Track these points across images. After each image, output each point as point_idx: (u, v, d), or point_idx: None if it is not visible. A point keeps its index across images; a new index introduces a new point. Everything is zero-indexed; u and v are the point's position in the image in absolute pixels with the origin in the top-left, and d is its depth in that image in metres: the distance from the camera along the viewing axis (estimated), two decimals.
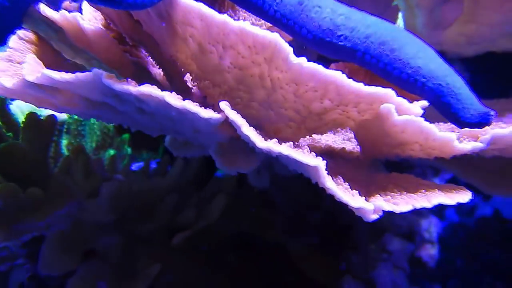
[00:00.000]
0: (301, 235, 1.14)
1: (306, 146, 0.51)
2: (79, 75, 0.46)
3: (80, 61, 0.68)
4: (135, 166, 1.29)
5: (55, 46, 0.64)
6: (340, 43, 0.57)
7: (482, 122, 0.51)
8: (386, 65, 0.55)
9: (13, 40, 0.59)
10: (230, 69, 0.52)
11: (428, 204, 0.45)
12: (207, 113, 0.47)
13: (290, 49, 0.46)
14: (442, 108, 0.54)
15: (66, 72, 0.48)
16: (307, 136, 0.65)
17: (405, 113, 0.49)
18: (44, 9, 0.59)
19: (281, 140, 0.60)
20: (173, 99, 0.45)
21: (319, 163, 0.46)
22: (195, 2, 0.47)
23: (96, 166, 1.00)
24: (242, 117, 0.63)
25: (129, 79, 0.46)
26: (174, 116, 0.51)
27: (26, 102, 0.56)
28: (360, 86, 0.48)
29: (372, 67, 0.58)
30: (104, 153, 1.30)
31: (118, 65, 0.63)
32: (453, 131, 0.56)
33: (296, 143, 0.66)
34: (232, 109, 0.50)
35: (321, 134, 0.63)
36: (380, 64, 0.56)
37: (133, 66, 0.66)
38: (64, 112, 0.62)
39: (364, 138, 0.57)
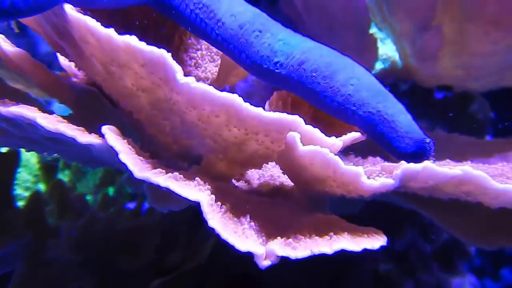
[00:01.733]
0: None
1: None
2: None
3: (21, 88, 0.67)
4: (132, 205, 1.26)
5: None
6: (276, 70, 0.52)
7: (417, 151, 0.43)
8: (317, 94, 0.49)
9: None
10: (138, 91, 0.48)
11: (329, 250, 0.37)
12: (84, 138, 0.42)
13: (177, 68, 0.41)
14: (377, 138, 0.46)
15: None
16: (245, 171, 0.58)
17: (318, 144, 0.42)
18: None
19: (219, 177, 0.55)
20: (45, 121, 0.41)
21: (201, 198, 0.39)
22: (81, 15, 0.43)
23: (76, 203, 0.98)
24: (174, 147, 0.58)
25: (6, 100, 0.43)
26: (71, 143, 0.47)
27: None
28: (260, 112, 0.42)
29: (305, 97, 0.52)
30: (105, 190, 1.29)
31: (52, 90, 0.61)
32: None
33: (235, 178, 0.60)
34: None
35: (258, 168, 0.57)
36: (313, 93, 0.50)
37: (74, 93, 0.63)
38: None
39: (287, 172, 0.49)
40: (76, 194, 1.07)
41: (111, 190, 1.27)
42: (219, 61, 0.74)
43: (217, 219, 0.39)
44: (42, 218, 0.87)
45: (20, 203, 1.06)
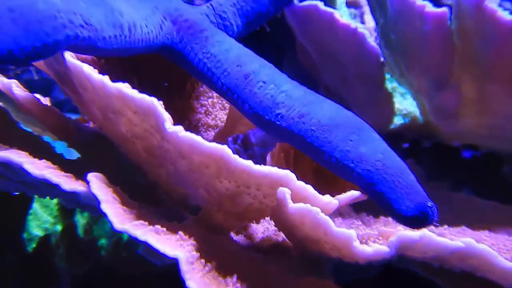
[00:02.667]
0: None
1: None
2: None
3: (37, 130, 0.68)
4: None
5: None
6: (277, 122, 0.51)
7: (418, 216, 0.40)
8: (316, 149, 0.47)
9: None
10: (132, 138, 0.47)
11: None
12: (69, 185, 0.41)
13: (166, 116, 0.40)
14: (376, 198, 0.43)
15: None
16: (243, 224, 0.56)
17: (310, 203, 0.39)
18: None
19: (216, 229, 0.52)
20: (31, 166, 0.41)
21: (179, 255, 0.37)
22: (79, 62, 0.44)
23: (86, 247, 0.97)
24: (173, 197, 0.57)
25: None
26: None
27: None
28: (249, 165, 0.40)
29: (305, 151, 0.50)
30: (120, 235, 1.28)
31: (61, 134, 0.62)
32: None
33: (236, 231, 0.58)
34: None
35: (255, 222, 0.54)
36: (312, 147, 0.48)
37: (82, 136, 0.64)
38: None
39: (281, 230, 0.47)
40: (87, 238, 1.06)
41: (126, 235, 1.26)
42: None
43: (196, 279, 0.36)
44: (49, 262, 0.87)
45: (34, 245, 1.07)
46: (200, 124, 0.72)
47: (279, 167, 0.53)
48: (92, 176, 0.42)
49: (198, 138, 0.40)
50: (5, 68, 0.62)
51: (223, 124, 0.72)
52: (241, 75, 0.55)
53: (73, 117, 0.73)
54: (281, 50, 0.98)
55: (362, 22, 0.92)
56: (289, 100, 0.51)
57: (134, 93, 0.41)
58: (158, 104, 0.41)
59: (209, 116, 0.73)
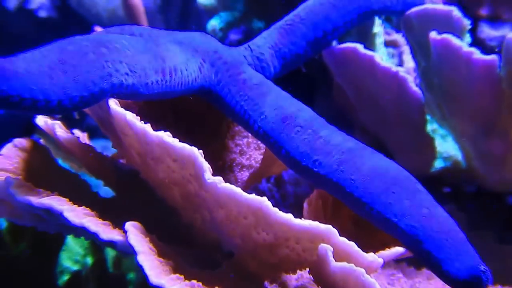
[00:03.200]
0: None
1: None
2: None
3: (69, 164, 0.69)
4: None
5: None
6: (314, 169, 0.49)
7: (469, 281, 0.37)
8: (356, 199, 0.45)
9: (6, 147, 0.61)
10: (170, 184, 0.47)
11: None
12: (106, 235, 0.41)
13: (206, 166, 0.40)
14: (422, 257, 0.41)
15: None
16: (278, 274, 0.54)
17: (353, 261, 0.37)
18: (37, 119, 0.62)
19: (250, 276, 0.51)
20: (71, 214, 0.41)
21: None
22: (122, 109, 0.44)
23: (114, 282, 0.96)
24: (204, 243, 0.56)
25: (40, 190, 0.44)
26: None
27: None
28: (289, 218, 0.38)
29: (344, 200, 0.48)
30: None
31: (98, 173, 0.62)
32: None
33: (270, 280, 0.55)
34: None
35: (292, 273, 0.52)
36: (351, 197, 0.46)
37: (118, 176, 0.64)
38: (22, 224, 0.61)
39: (320, 285, 0.44)
40: (117, 272, 1.06)
41: None
42: (264, 150, 0.73)
43: None
44: None
45: (65, 277, 1.07)
46: (234, 164, 0.71)
47: (316, 215, 0.52)
48: (130, 226, 0.41)
49: (237, 190, 0.39)
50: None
51: (257, 164, 0.71)
52: (278, 119, 0.54)
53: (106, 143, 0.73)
54: (313, 83, 0.98)
55: (401, 62, 0.91)
56: (328, 146, 0.50)
57: (175, 142, 0.41)
58: (198, 154, 0.40)
59: (243, 156, 0.72)
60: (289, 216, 0.38)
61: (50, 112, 0.39)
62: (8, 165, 0.59)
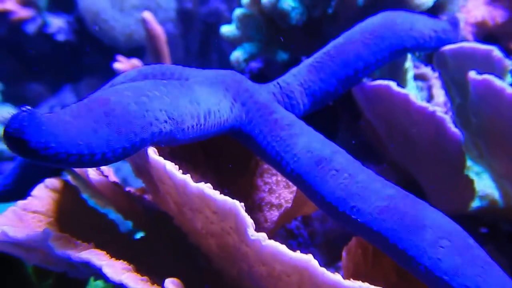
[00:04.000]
0: None
1: None
2: (30, 234, 0.44)
3: (97, 202, 0.68)
4: None
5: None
6: (352, 216, 0.47)
7: None
8: (401, 252, 0.43)
9: (37, 188, 0.61)
10: (207, 234, 0.45)
11: None
12: None
13: (249, 221, 0.38)
14: None
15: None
16: None
17: None
18: None
19: None
20: (110, 270, 0.39)
21: None
22: (162, 159, 0.43)
23: None
24: None
25: (79, 242, 0.42)
26: None
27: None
28: (338, 280, 0.36)
29: (387, 251, 0.45)
30: None
31: (128, 215, 0.61)
32: None
33: None
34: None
35: None
36: (395, 249, 0.43)
37: (148, 217, 0.63)
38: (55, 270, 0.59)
39: None
40: None
41: None
42: (294, 188, 0.71)
43: None
44: None
45: None
46: (263, 203, 0.70)
47: (356, 265, 0.50)
48: (169, 283, 0.40)
49: (282, 248, 0.37)
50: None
51: (287, 204, 0.69)
52: (312, 161, 0.52)
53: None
54: (336, 112, 0.96)
55: (430, 96, 0.89)
56: (366, 192, 0.48)
57: (216, 195, 0.39)
58: (240, 208, 0.39)
59: (273, 195, 0.70)
60: (337, 278, 0.36)
61: (92, 165, 0.38)
62: (40, 207, 0.58)
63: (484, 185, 0.76)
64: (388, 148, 0.78)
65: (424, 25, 0.69)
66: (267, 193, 0.70)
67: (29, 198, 0.59)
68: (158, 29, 1.34)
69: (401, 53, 0.69)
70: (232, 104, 0.59)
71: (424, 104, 0.62)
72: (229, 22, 1.11)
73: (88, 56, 2.95)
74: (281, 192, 0.70)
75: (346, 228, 0.51)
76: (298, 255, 0.37)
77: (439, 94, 0.86)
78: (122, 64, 1.34)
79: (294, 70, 0.70)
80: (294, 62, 1.08)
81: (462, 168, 0.63)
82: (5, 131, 0.34)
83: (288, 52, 1.06)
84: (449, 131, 0.59)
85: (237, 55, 1.05)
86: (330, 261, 0.76)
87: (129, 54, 3.01)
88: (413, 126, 0.65)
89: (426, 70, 0.91)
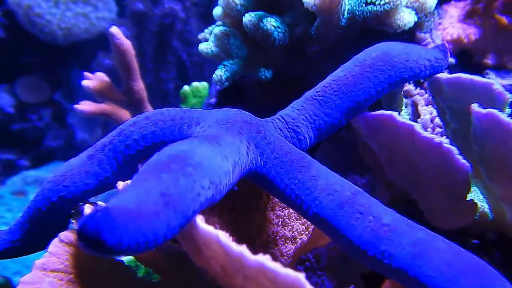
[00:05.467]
0: None
1: None
2: None
3: None
4: None
5: None
6: (384, 261, 0.49)
7: None
8: None
9: (53, 244, 0.59)
10: None
11: None
12: None
13: None
14: None
15: None
16: None
17: None
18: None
19: None
20: None
21: None
22: (213, 229, 0.42)
23: None
24: None
25: None
26: None
27: None
28: None
29: None
30: None
31: (150, 265, 0.60)
32: None
33: None
34: None
35: None
36: None
37: (166, 263, 0.62)
38: None
39: None
40: None
41: None
42: (305, 220, 0.72)
43: None
44: None
45: None
46: (278, 237, 0.70)
47: None
48: None
49: None
50: None
51: (301, 237, 0.70)
52: (335, 205, 0.53)
53: None
54: None
55: (415, 113, 0.93)
56: (394, 236, 0.49)
57: (278, 267, 0.39)
58: (305, 282, 0.39)
59: (286, 228, 0.71)
60: None
61: (152, 248, 0.37)
62: (58, 264, 0.57)
63: (473, 197, 0.81)
64: (386, 171, 0.81)
65: (419, 55, 0.72)
66: (281, 226, 0.71)
67: (46, 255, 0.57)
68: (127, 43, 1.29)
69: (399, 83, 0.72)
70: (248, 148, 0.59)
71: (429, 135, 0.65)
72: (186, 22, 1.09)
73: (23, 53, 2.80)
74: (293, 225, 0.71)
75: (380, 272, 0.52)
76: None
77: (425, 112, 0.90)
78: (91, 81, 1.28)
79: (296, 105, 0.70)
80: (278, 78, 1.08)
81: (466, 194, 0.67)
82: (81, 232, 0.33)
83: (271, 69, 1.07)
84: (458, 163, 0.62)
85: (219, 74, 1.04)
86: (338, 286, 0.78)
87: (68, 50, 2.87)
88: (417, 155, 0.68)
89: (410, 87, 0.95)
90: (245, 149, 0.58)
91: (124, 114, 1.35)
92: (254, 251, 0.41)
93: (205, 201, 0.43)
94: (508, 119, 0.58)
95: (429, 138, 0.65)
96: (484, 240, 0.84)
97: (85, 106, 1.27)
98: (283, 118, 0.69)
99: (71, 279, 0.57)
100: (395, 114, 0.68)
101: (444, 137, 0.78)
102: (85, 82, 1.29)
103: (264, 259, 0.40)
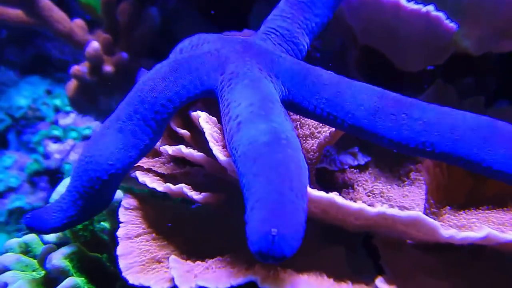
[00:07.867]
0: None
1: None
2: None
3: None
4: None
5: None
6: (427, 149, 0.54)
7: None
8: (484, 169, 0.52)
9: (121, 213, 0.62)
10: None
11: None
12: None
13: (438, 224, 0.47)
14: None
15: None
16: None
17: None
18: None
19: None
20: None
21: None
22: (332, 194, 0.47)
23: None
24: None
25: None
26: None
27: None
28: None
29: (463, 166, 0.54)
30: None
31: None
32: None
33: None
34: None
35: None
36: (470, 163, 0.52)
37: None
38: None
39: None
40: None
41: None
42: None
43: None
44: None
45: None
46: (299, 138, 0.75)
47: (437, 181, 0.63)
48: None
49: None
50: None
51: (319, 130, 0.75)
52: (367, 113, 0.55)
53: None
54: None
55: None
56: (430, 127, 0.53)
57: (399, 212, 0.46)
58: (425, 216, 0.47)
59: (304, 128, 0.75)
60: None
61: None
62: (137, 229, 0.62)
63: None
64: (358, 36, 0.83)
65: None
66: (299, 128, 0.75)
67: (123, 226, 0.61)
68: None
69: None
70: (272, 82, 0.59)
71: (416, 6, 0.68)
72: None
73: None
74: (309, 123, 0.75)
75: (422, 156, 0.57)
76: None
77: None
78: None
79: (283, 13, 0.67)
80: None
81: (449, 48, 0.74)
82: (261, 253, 0.39)
83: None
84: (446, 26, 0.67)
85: None
86: None
87: None
88: (401, 24, 0.71)
89: None
90: (272, 86, 0.58)
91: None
92: None
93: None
94: None
95: (415, 8, 0.68)
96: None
97: None
98: (277, 31, 0.66)
99: (154, 237, 0.62)
100: None
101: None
102: None
103: (383, 208, 0.46)
